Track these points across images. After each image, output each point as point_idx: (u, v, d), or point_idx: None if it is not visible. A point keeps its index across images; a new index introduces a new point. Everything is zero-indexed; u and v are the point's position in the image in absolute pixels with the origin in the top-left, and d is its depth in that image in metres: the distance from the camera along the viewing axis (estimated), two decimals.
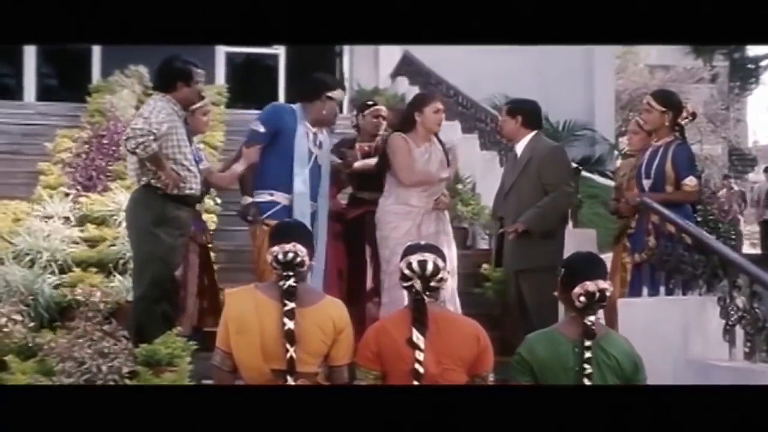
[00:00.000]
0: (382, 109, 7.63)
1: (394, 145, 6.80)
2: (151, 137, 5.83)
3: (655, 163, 6.69)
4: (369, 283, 7.15)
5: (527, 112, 7.14)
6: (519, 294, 6.92)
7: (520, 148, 7.09)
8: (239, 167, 6.50)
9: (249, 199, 6.45)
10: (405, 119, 6.90)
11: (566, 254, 4.52)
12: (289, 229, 4.44)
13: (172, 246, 5.99)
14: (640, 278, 6.59)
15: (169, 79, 6.13)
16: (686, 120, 6.80)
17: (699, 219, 6.87)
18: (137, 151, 5.84)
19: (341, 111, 15.09)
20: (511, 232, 6.81)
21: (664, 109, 6.73)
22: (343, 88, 6.72)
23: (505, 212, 7.02)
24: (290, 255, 4.21)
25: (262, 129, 6.45)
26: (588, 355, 4.03)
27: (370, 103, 7.85)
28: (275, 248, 4.25)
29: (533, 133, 7.10)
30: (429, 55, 13.70)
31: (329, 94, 6.55)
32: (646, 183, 6.73)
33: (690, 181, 6.61)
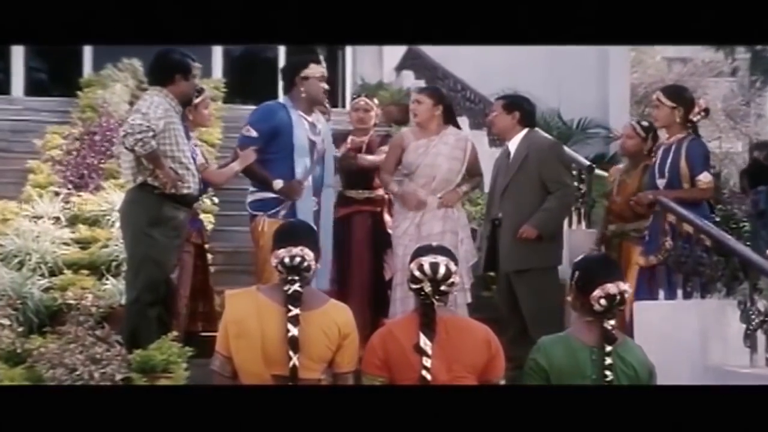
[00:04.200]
0: (359, 103, 7.65)
1: (391, 141, 7.17)
2: (150, 134, 5.85)
3: (669, 160, 6.71)
4: (357, 286, 7.15)
5: (525, 110, 7.19)
6: (513, 297, 6.97)
7: (513, 145, 7.14)
8: (236, 166, 6.52)
9: (280, 182, 6.41)
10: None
11: (578, 256, 4.49)
12: (296, 231, 4.41)
13: (168, 247, 6.01)
14: (648, 281, 6.60)
15: (167, 73, 6.15)
16: (699, 116, 6.80)
17: (717, 219, 6.88)
18: (136, 148, 5.86)
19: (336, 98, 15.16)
20: (524, 238, 6.83)
21: (674, 104, 6.76)
22: (316, 61, 6.63)
23: (503, 212, 7.03)
24: (297, 259, 4.20)
25: (254, 133, 6.46)
26: (609, 361, 4.02)
27: (354, 96, 7.93)
28: (281, 251, 4.23)
29: (526, 130, 7.15)
30: (435, 48, 13.69)
31: (302, 74, 6.55)
32: (660, 182, 6.74)
33: (704, 177, 6.62)
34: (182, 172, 6.04)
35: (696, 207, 6.51)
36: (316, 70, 6.56)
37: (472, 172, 7.15)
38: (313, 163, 6.52)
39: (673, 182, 6.68)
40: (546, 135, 7.81)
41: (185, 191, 6.06)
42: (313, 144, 6.51)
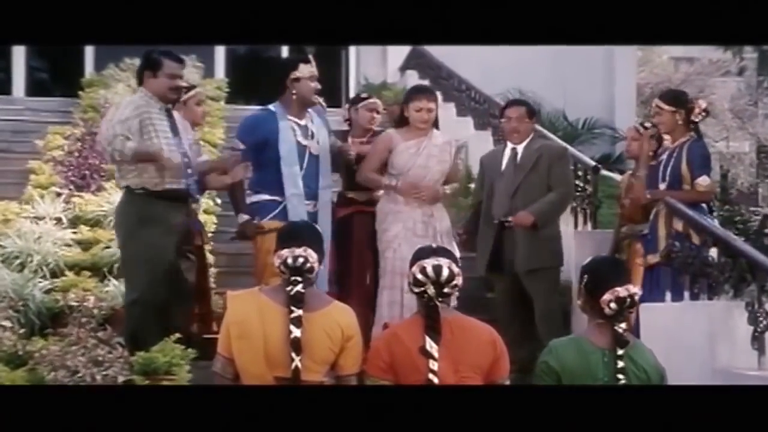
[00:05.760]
0: (377, 103, 7.64)
1: (377, 139, 7.10)
2: (120, 137, 5.94)
3: (671, 164, 6.78)
4: (358, 287, 7.14)
5: (535, 114, 7.51)
6: (520, 297, 7.07)
7: (521, 147, 7.26)
8: (228, 180, 6.51)
9: (245, 217, 6.46)
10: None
11: (585, 257, 4.50)
12: (300, 232, 4.42)
13: (156, 246, 6.02)
14: (652, 282, 6.61)
15: (139, 72, 6.35)
16: (700, 116, 6.87)
17: (716, 221, 6.92)
18: (117, 157, 6.00)
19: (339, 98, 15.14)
20: (519, 224, 7.00)
21: (673, 108, 6.86)
22: (306, 61, 6.61)
23: (513, 213, 7.12)
24: (300, 260, 4.21)
25: (241, 146, 6.50)
26: (621, 364, 4.04)
27: (364, 96, 7.91)
28: (284, 251, 4.24)
29: (533, 133, 7.42)
30: (440, 47, 13.67)
31: (292, 76, 6.54)
32: (662, 186, 6.80)
33: (703, 181, 6.68)
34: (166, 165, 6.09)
35: (694, 208, 6.54)
36: (306, 70, 6.54)
37: (452, 176, 7.09)
38: (307, 167, 6.51)
39: (674, 186, 6.76)
40: (551, 135, 7.97)
41: (167, 186, 6.08)
42: (303, 149, 6.51)
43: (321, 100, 7.38)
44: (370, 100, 7.70)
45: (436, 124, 7.09)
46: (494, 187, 7.32)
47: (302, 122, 6.55)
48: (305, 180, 6.50)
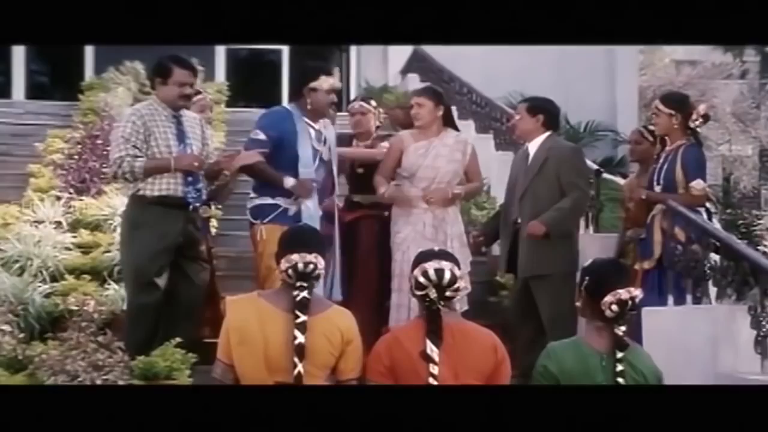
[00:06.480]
0: (355, 106, 7.66)
1: (390, 142, 7.13)
2: (128, 159, 6.02)
3: (665, 167, 6.76)
4: (364, 292, 7.14)
5: (549, 112, 7.18)
6: (530, 302, 6.97)
7: (533, 148, 7.12)
8: (236, 164, 6.51)
9: (291, 180, 6.38)
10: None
11: (587, 260, 4.49)
12: (308, 238, 4.39)
13: (146, 251, 6.04)
14: (647, 285, 6.61)
15: (150, 78, 6.37)
16: (697, 122, 6.83)
17: (717, 224, 6.93)
18: (129, 179, 6.08)
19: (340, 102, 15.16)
20: (532, 234, 6.83)
21: (671, 111, 6.81)
22: (328, 72, 6.61)
23: (521, 216, 7.04)
24: (311, 266, 4.20)
25: (262, 136, 6.44)
26: (620, 368, 4.03)
27: (352, 100, 7.94)
28: (294, 256, 4.21)
29: (548, 133, 7.15)
30: (441, 50, 13.69)
31: (310, 85, 6.53)
32: (657, 189, 6.79)
33: (697, 185, 6.67)
34: (166, 176, 6.12)
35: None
36: (325, 82, 6.52)
37: (471, 176, 7.09)
38: (317, 171, 6.50)
39: (668, 189, 6.74)
40: (565, 141, 7.86)
41: (165, 192, 6.11)
42: (316, 152, 6.51)
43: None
44: (350, 105, 7.72)
45: (453, 124, 7.10)
46: (512, 186, 7.27)
47: (316, 126, 6.56)
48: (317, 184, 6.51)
